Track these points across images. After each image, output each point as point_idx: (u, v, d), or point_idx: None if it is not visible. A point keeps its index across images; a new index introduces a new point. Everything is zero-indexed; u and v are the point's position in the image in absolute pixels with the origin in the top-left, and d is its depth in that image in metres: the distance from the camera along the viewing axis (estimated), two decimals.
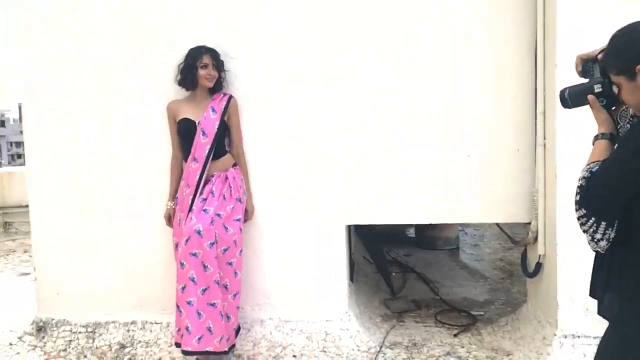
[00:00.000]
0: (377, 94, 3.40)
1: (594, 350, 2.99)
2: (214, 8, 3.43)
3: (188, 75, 3.25)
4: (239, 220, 3.29)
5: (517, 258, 5.73)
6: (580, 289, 2.95)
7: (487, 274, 5.18)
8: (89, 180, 3.58)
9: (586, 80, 1.69)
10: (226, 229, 3.21)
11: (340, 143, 3.44)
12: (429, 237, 6.20)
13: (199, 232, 3.08)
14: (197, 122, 3.25)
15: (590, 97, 1.64)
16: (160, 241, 3.55)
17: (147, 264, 3.59)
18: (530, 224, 3.37)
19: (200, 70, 3.25)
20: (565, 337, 3.09)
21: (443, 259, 5.85)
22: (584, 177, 1.56)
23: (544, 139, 3.21)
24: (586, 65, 1.69)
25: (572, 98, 1.71)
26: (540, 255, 3.30)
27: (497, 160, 3.38)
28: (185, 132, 3.28)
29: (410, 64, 3.37)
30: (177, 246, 3.33)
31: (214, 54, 3.30)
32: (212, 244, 3.12)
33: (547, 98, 3.18)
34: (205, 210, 3.16)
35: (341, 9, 3.37)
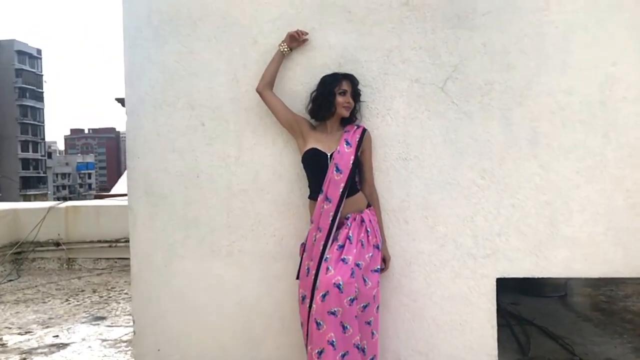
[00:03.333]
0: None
1: None
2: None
3: (324, 103, 2.84)
4: (377, 271, 2.81)
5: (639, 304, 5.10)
6: None
7: (618, 329, 4.54)
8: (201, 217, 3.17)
9: None
10: (365, 281, 2.74)
11: (494, 185, 2.94)
12: (534, 281, 5.58)
13: (338, 287, 2.61)
14: (328, 154, 2.82)
15: None
16: (284, 290, 3.09)
17: (265, 315, 3.13)
18: None
19: (338, 97, 2.83)
20: None
21: (556, 307, 5.22)
22: None
23: None
24: None
25: None
26: None
27: None
28: (314, 164, 2.85)
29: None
30: (303, 299, 2.86)
31: (352, 80, 2.89)
32: (352, 300, 2.65)
33: None
34: (343, 260, 2.69)
35: None
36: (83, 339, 4.53)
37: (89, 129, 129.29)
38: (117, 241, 7.80)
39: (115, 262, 7.85)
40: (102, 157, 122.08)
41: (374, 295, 2.77)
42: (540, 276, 2.96)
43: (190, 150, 3.18)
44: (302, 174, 3.06)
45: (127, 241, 7.75)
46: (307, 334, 2.82)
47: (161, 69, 3.18)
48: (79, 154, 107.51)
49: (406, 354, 3.03)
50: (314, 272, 2.78)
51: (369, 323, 2.76)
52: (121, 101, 10.76)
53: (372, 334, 2.79)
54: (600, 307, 5.21)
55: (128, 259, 7.77)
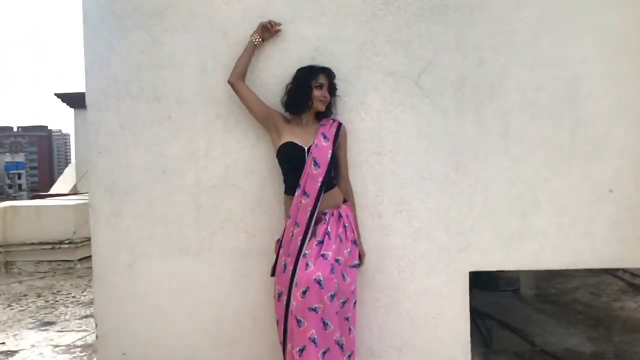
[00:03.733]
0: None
1: None
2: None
3: (300, 96, 2.77)
4: (355, 266, 2.78)
5: (594, 300, 5.33)
6: None
7: (572, 320, 4.71)
8: (165, 212, 3.04)
9: None
10: (344, 277, 2.70)
11: (467, 179, 2.97)
12: (488, 275, 5.71)
13: (319, 282, 2.55)
14: (305, 148, 2.76)
15: None
16: (257, 288, 3.01)
17: (237, 315, 3.03)
18: None
19: (315, 91, 2.78)
20: None
21: (510, 301, 5.37)
22: None
23: None
24: None
25: None
26: None
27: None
28: (290, 158, 2.78)
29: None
30: (279, 296, 2.79)
31: (329, 73, 2.84)
32: (333, 296, 2.60)
33: None
34: (323, 256, 2.64)
35: None
36: (33, 346, 4.27)
37: (18, 127, 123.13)
38: (60, 243, 7.44)
39: (59, 264, 7.48)
40: (33, 157, 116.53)
41: (352, 290, 2.74)
42: (512, 269, 3.01)
43: (157, 144, 3.04)
44: (275, 168, 2.99)
45: (71, 243, 7.45)
46: (283, 332, 2.75)
47: (125, 60, 3.03)
48: (7, 153, 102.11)
49: (380, 348, 3.01)
50: (291, 268, 2.71)
51: (347, 319, 2.72)
52: (62, 97, 10.26)
53: (350, 329, 2.75)
54: (552, 299, 5.40)
55: (72, 261, 7.47)
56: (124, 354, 3.06)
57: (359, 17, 2.97)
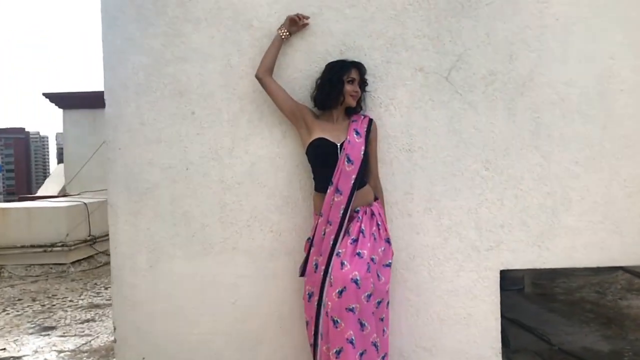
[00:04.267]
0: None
1: None
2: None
3: (332, 91, 2.70)
4: (389, 265, 2.71)
5: (600, 298, 5.33)
6: None
7: (583, 319, 4.70)
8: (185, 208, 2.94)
9: None
10: (379, 276, 2.63)
11: (497, 176, 2.92)
12: None
13: (356, 282, 2.48)
14: (337, 145, 2.69)
15: None
16: (283, 288, 2.93)
17: (262, 316, 2.94)
18: None
19: (347, 86, 2.70)
20: None
21: (517, 300, 5.35)
22: None
23: None
24: None
25: None
26: None
27: None
28: (322, 154, 2.70)
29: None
30: (309, 297, 2.72)
31: (360, 68, 2.77)
32: (369, 296, 2.54)
33: None
34: (358, 254, 2.57)
35: None
36: (35, 351, 4.13)
37: None
38: (52, 246, 7.24)
39: (51, 268, 7.29)
40: (9, 159, 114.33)
41: (387, 290, 2.68)
42: (543, 267, 2.97)
43: (179, 140, 2.94)
44: (302, 165, 2.91)
45: (64, 245, 7.25)
46: (314, 333, 2.67)
47: (145, 53, 2.93)
48: None
49: (409, 349, 2.95)
50: (323, 267, 2.64)
51: (381, 319, 2.66)
52: (51, 97, 10.02)
53: (384, 330, 2.69)
54: (559, 298, 5.39)
55: (65, 264, 7.28)
56: (143, 358, 2.95)
57: (388, 11, 2.91)
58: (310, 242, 2.74)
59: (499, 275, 2.95)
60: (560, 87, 2.91)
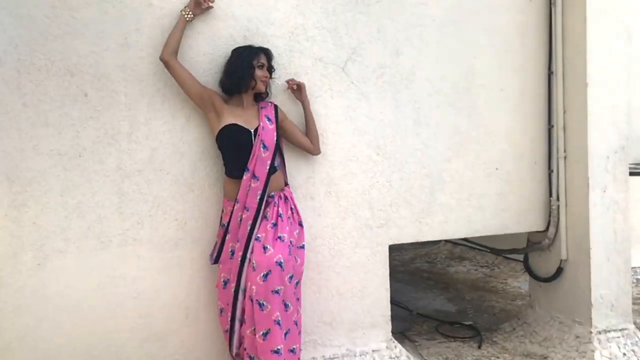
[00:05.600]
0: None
1: (624, 342, 3.35)
2: None
3: (244, 76, 2.69)
4: (303, 247, 2.83)
5: (433, 267, 6.09)
6: (606, 287, 3.29)
7: (425, 285, 5.35)
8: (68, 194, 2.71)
9: None
10: (296, 259, 2.75)
11: (386, 160, 3.21)
12: None
13: (280, 265, 2.57)
14: (251, 130, 2.71)
15: None
16: (189, 278, 2.87)
17: (167, 308, 2.85)
18: (545, 231, 3.59)
19: (257, 70, 2.73)
20: (600, 332, 3.35)
21: None
22: None
23: (565, 151, 3.47)
24: None
25: None
26: (561, 260, 3.53)
27: (519, 173, 3.52)
28: (236, 140, 2.70)
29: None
30: (225, 284, 2.72)
31: (268, 54, 2.81)
32: (291, 277, 2.65)
33: (567, 114, 3.45)
34: (280, 238, 2.64)
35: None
36: None
37: None
38: None
39: None
40: None
41: (302, 271, 2.80)
42: (423, 240, 3.36)
43: (70, 124, 2.67)
44: (207, 151, 2.88)
45: None
46: (230, 319, 2.69)
47: (27, 25, 2.59)
48: None
49: (312, 325, 3.11)
50: (240, 253, 2.66)
51: (298, 299, 2.77)
52: None
53: (298, 310, 2.81)
54: (400, 269, 6.03)
55: None
56: None
57: (290, 1, 2.98)
58: (225, 229, 2.73)
59: (387, 249, 3.26)
60: (437, 81, 3.30)
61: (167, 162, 2.83)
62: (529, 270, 3.86)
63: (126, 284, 2.79)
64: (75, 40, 2.66)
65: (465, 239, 3.91)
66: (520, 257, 4.09)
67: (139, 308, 2.81)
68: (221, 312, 2.76)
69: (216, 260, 2.76)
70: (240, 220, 2.69)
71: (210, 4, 2.81)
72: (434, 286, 5.29)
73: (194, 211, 2.88)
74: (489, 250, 4.55)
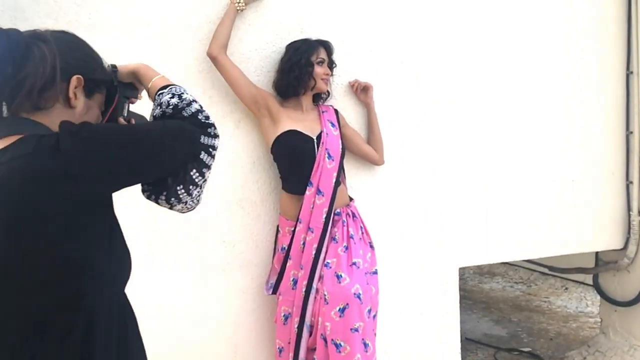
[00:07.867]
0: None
1: None
2: None
3: (302, 75, 2.29)
4: (376, 272, 2.42)
5: (464, 284, 5.70)
6: None
7: (464, 306, 4.95)
8: None
9: None
10: (371, 288, 2.33)
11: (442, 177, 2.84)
12: None
13: (359, 297, 2.16)
14: (314, 138, 2.31)
15: None
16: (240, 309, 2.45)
17: (214, 345, 2.43)
18: (623, 249, 3.22)
19: (317, 68, 2.33)
20: None
21: None
22: None
23: None
24: None
25: None
26: None
27: (594, 185, 3.16)
28: (297, 150, 2.30)
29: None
30: (286, 319, 2.30)
31: (328, 47, 2.41)
32: (369, 311, 2.24)
33: None
34: (355, 264, 2.23)
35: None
36: None
37: None
38: None
39: None
40: None
41: (377, 302, 2.38)
42: (495, 262, 2.98)
43: None
44: (258, 162, 2.47)
45: None
46: None
47: None
48: None
49: None
50: (304, 282, 2.25)
51: (375, 335, 2.36)
52: None
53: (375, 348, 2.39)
54: None
55: None
56: None
57: None
58: (286, 254, 2.31)
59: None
60: None
61: (213, 174, 2.40)
62: (600, 292, 3.48)
63: (162, 313, 2.36)
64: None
65: None
66: (559, 272, 3.76)
67: (179, 343, 2.38)
68: (280, 351, 2.34)
69: (274, 291, 2.34)
70: (303, 243, 2.27)
71: None
72: (473, 306, 4.89)
73: (244, 232, 2.46)
74: (547, 270, 4.17)
